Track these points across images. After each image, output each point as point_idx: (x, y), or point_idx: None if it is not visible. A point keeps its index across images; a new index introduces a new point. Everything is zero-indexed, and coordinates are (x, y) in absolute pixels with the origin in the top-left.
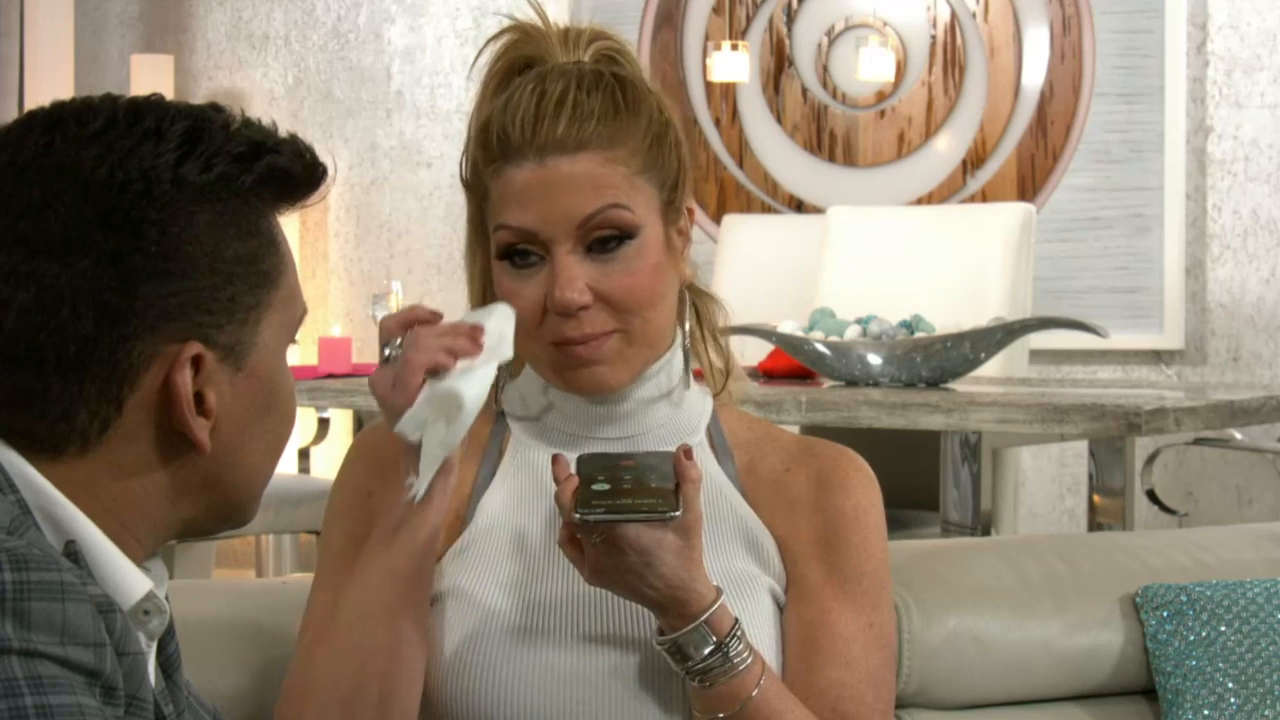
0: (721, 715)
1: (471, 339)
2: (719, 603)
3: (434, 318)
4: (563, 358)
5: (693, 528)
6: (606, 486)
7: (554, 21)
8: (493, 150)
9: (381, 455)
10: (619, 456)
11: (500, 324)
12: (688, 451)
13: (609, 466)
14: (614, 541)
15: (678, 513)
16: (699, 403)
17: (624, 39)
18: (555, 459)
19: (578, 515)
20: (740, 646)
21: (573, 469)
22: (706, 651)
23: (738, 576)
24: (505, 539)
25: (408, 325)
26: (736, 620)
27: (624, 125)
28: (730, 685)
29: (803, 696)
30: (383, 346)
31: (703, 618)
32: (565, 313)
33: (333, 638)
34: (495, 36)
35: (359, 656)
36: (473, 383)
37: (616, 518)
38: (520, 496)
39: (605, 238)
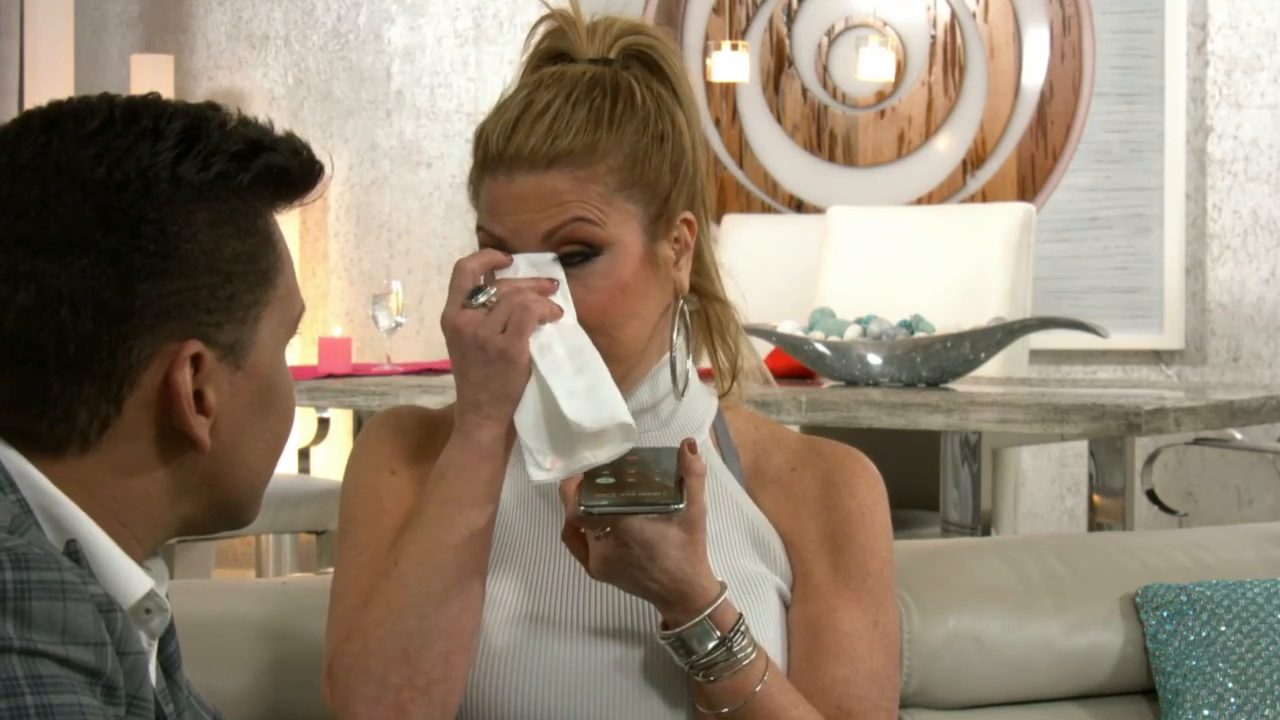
0: (725, 710)
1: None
2: (723, 597)
3: (509, 261)
4: None
5: (697, 521)
6: (610, 480)
7: (586, 15)
8: (479, 157)
9: (405, 436)
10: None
11: (565, 282)
12: (692, 445)
13: (613, 460)
14: (618, 535)
15: (681, 505)
16: (703, 403)
17: (657, 32)
18: None
19: (582, 508)
20: (744, 641)
21: None
22: (710, 646)
23: (744, 575)
24: (511, 534)
25: (489, 268)
26: (740, 615)
27: (603, 140)
28: (734, 680)
29: (807, 694)
30: (470, 291)
31: (707, 612)
32: None
33: (394, 595)
34: (537, 24)
35: (427, 609)
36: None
37: (620, 510)
38: (526, 491)
39: (572, 252)
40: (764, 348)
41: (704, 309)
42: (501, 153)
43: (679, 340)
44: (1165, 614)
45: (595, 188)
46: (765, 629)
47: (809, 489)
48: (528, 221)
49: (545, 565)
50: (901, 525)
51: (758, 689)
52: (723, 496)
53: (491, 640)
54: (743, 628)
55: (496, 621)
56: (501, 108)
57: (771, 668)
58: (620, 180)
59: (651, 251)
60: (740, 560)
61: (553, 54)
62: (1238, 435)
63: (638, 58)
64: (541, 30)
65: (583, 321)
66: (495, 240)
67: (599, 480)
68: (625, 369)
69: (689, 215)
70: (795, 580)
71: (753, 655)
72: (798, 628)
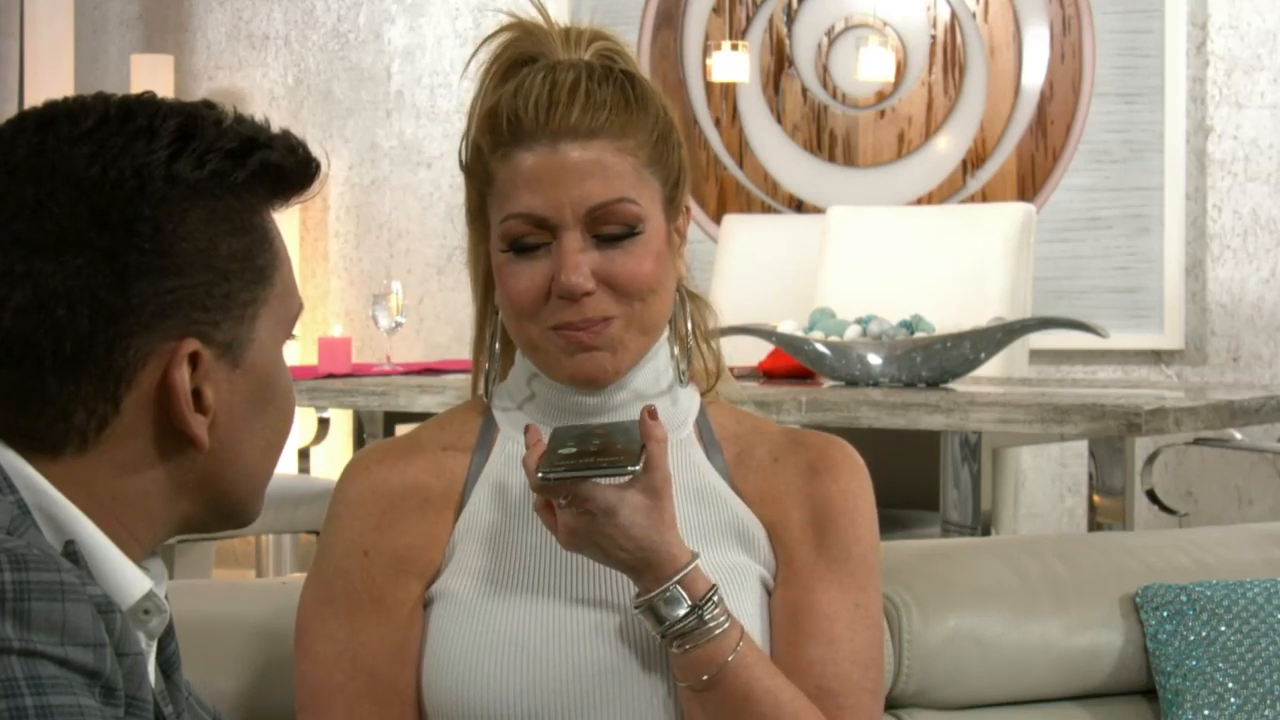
0: (705, 677)
1: None
2: (693, 565)
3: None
4: (562, 342)
5: (661, 488)
6: (573, 450)
7: (555, 21)
8: (502, 134)
9: (376, 501)
10: (592, 426)
11: None
12: (652, 412)
13: (580, 434)
14: (578, 502)
15: (637, 467)
16: (687, 399)
17: (623, 40)
18: (528, 428)
19: (539, 475)
20: (716, 611)
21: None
22: (681, 613)
23: (727, 566)
24: (491, 532)
25: None
26: (714, 586)
27: (634, 118)
28: (707, 649)
29: (788, 676)
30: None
31: (676, 579)
32: (570, 297)
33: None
34: (494, 34)
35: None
36: None
37: (576, 475)
38: (506, 491)
39: (614, 233)
40: (764, 347)
41: (686, 305)
42: (541, 125)
43: (688, 327)
44: (1165, 614)
45: (631, 160)
46: (749, 618)
47: (792, 478)
48: (572, 194)
49: (520, 552)
50: (901, 525)
51: (730, 658)
52: (706, 491)
53: (474, 641)
54: (715, 598)
55: (478, 625)
56: (518, 88)
57: (746, 638)
58: (648, 156)
59: (667, 231)
60: (723, 553)
61: (527, 57)
62: (1238, 435)
63: (610, 60)
64: (507, 37)
65: (623, 289)
66: (530, 220)
67: (561, 451)
68: (651, 342)
69: (688, 205)
70: (778, 567)
71: (725, 624)
72: (778, 612)
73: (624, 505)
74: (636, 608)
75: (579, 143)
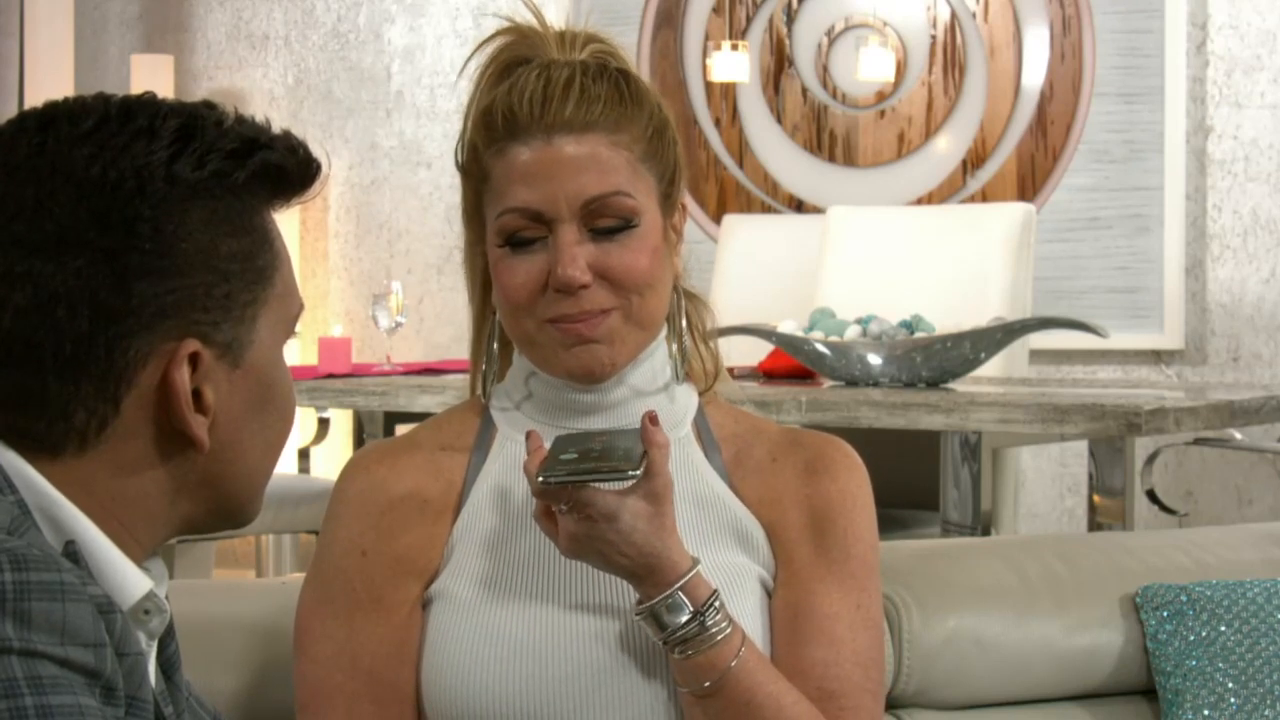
0: (707, 684)
1: None
2: (694, 571)
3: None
4: (560, 335)
5: (662, 494)
6: (574, 455)
7: (550, 24)
8: (497, 130)
9: (376, 497)
10: (593, 433)
11: None
12: (653, 418)
13: (581, 441)
14: (579, 508)
15: (637, 472)
16: (685, 398)
17: (618, 43)
18: (529, 434)
19: (540, 479)
20: (718, 616)
21: (548, 447)
22: (683, 620)
23: (726, 568)
24: (490, 533)
25: None
26: (715, 591)
27: (628, 112)
28: (709, 655)
29: (788, 678)
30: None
31: (677, 585)
32: (567, 290)
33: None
34: (490, 38)
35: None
36: None
37: (576, 479)
38: (504, 491)
39: (610, 227)
40: (764, 347)
41: (684, 304)
42: (536, 119)
43: (683, 324)
44: (1165, 614)
45: (625, 154)
46: (749, 619)
47: (790, 478)
48: (567, 187)
49: (519, 551)
50: (901, 525)
51: (733, 663)
52: (705, 491)
53: (473, 644)
54: (717, 603)
55: (478, 624)
56: (512, 86)
57: (748, 643)
58: (643, 151)
59: (664, 227)
60: (722, 554)
61: (522, 60)
62: (1238, 435)
63: (604, 61)
64: (502, 40)
65: (620, 282)
66: (525, 214)
67: (562, 456)
68: (648, 338)
69: (684, 203)
70: (778, 568)
71: (727, 630)
72: (779, 613)
73: (625, 511)
74: (638, 614)
75: (574, 136)
